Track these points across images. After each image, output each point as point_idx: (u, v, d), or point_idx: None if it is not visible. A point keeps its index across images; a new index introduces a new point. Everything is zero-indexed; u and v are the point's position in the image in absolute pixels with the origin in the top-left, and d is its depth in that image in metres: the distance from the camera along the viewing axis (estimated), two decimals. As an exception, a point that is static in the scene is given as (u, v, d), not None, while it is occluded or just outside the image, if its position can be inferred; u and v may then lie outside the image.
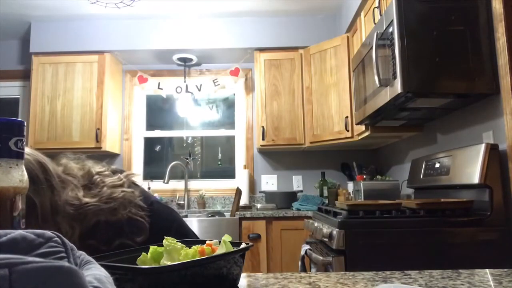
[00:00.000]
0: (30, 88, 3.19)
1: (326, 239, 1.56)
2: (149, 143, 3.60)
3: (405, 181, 2.31)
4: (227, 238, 0.64)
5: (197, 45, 3.25)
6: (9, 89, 3.55)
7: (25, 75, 3.45)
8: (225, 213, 2.98)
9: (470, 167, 1.58)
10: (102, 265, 0.38)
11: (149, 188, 3.26)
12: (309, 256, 1.75)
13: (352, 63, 2.47)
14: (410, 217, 1.52)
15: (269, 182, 3.40)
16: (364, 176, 2.76)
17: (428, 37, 1.62)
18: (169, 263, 0.58)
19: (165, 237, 0.63)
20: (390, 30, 1.69)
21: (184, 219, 1.11)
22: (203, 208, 3.28)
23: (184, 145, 3.59)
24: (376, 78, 1.82)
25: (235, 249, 0.63)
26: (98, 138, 3.08)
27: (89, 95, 3.15)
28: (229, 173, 3.51)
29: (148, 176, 3.49)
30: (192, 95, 3.47)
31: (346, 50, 2.85)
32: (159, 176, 3.35)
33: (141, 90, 3.58)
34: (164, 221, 0.98)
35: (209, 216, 2.90)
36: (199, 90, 3.42)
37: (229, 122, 3.60)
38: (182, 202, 3.32)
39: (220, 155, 3.54)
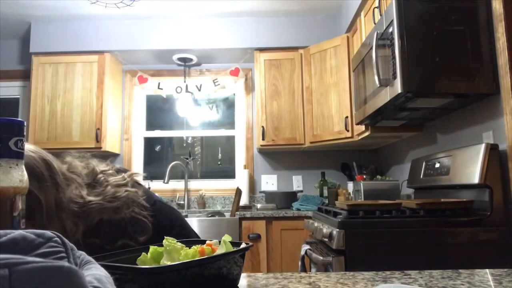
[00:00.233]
0: (30, 88, 3.19)
1: (326, 239, 1.56)
2: (149, 143, 3.60)
3: (405, 181, 2.31)
4: (227, 238, 0.64)
5: (197, 45, 3.25)
6: (9, 89, 3.55)
7: (25, 75, 3.45)
8: (225, 213, 2.98)
9: (470, 167, 1.58)
10: (102, 265, 0.38)
11: (149, 188, 3.24)
12: (309, 256, 1.75)
13: (352, 63, 2.47)
14: (410, 217, 1.52)
15: (269, 182, 3.40)
16: (364, 176, 2.75)
17: (428, 37, 1.62)
18: (169, 263, 0.58)
19: (165, 237, 0.63)
20: (390, 30, 1.69)
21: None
22: (203, 208, 3.28)
23: (184, 145, 3.59)
24: (376, 78, 1.82)
25: (235, 249, 0.63)
26: (98, 138, 3.08)
27: (89, 95, 3.15)
28: (229, 173, 3.51)
29: (148, 176, 3.49)
30: (192, 95, 3.47)
31: (346, 50, 2.85)
32: (159, 176, 3.35)
33: (141, 90, 3.58)
34: (167, 220, 0.98)
35: (209, 216, 2.90)
36: (199, 90, 3.42)
37: (229, 122, 3.60)
38: (182, 202, 3.32)
39: (220, 155, 3.54)
